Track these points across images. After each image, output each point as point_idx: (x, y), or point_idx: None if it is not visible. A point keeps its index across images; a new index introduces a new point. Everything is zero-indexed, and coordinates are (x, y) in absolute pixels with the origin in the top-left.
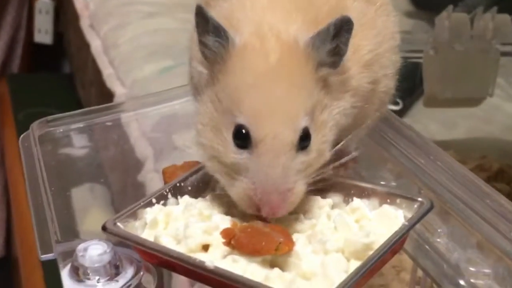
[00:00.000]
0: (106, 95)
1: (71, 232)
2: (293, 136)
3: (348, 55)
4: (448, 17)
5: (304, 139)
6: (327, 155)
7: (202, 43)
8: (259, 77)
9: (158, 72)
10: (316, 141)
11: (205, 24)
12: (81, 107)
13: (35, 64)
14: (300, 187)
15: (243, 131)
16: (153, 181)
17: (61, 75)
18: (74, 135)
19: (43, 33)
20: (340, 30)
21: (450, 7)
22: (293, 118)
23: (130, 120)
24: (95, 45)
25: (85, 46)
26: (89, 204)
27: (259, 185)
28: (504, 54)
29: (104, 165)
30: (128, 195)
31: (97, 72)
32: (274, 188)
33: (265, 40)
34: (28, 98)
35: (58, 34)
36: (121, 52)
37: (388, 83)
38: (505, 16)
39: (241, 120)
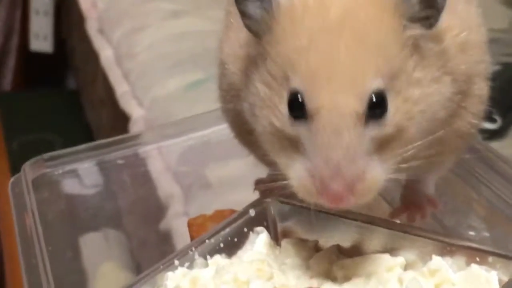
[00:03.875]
0: (121, 118)
1: None
2: (358, 104)
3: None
4: None
5: (377, 106)
6: (413, 135)
7: (242, 14)
8: (315, 36)
9: (185, 88)
10: (396, 113)
11: None
12: (89, 132)
13: (32, 78)
14: (375, 173)
15: (299, 99)
16: (180, 228)
17: (64, 91)
18: (78, 176)
19: (41, 39)
20: None
21: None
22: (358, 80)
23: (150, 155)
24: (106, 55)
25: (93, 56)
26: (102, 258)
27: (318, 170)
28: None
29: (120, 210)
30: (151, 247)
31: (109, 89)
32: (337, 174)
33: None
34: (24, 123)
35: (60, 41)
36: (138, 63)
37: (482, 87)
38: None
39: (295, 84)
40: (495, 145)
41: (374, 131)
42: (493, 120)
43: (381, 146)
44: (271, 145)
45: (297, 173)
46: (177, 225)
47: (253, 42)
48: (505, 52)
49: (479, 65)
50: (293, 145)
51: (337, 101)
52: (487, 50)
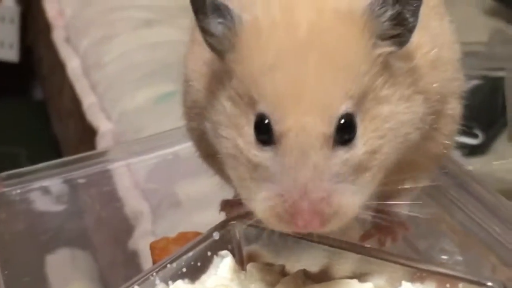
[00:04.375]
0: (88, 131)
1: None
2: (326, 127)
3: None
4: None
5: (345, 130)
6: (387, 155)
7: (204, 31)
8: (282, 55)
9: (155, 101)
10: (365, 133)
11: (202, 5)
12: (56, 145)
13: None
14: (346, 199)
15: (265, 122)
16: (147, 250)
17: (30, 102)
18: (40, 195)
19: (7, 48)
20: None
21: None
22: (326, 103)
23: (118, 172)
24: (73, 65)
25: (60, 66)
26: (68, 278)
27: (286, 193)
28: None
29: (87, 229)
30: (118, 268)
31: (76, 101)
32: (304, 196)
33: (292, 11)
34: None
35: (26, 49)
36: (106, 74)
37: (455, 106)
38: None
39: (261, 108)
40: (476, 161)
41: (343, 155)
42: (474, 136)
43: (355, 170)
44: (233, 170)
45: (262, 200)
46: (145, 244)
47: (218, 59)
48: (485, 66)
49: (452, 83)
50: (257, 171)
51: (305, 124)
52: (460, 67)
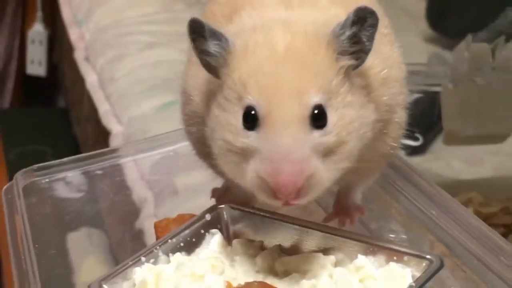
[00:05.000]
0: (103, 133)
1: None
2: (302, 112)
3: (367, 65)
4: (468, 48)
5: (318, 118)
6: (352, 148)
7: (202, 52)
8: (264, 63)
9: (158, 109)
10: (336, 127)
11: (202, 31)
12: (77, 144)
13: (27, 98)
14: (319, 172)
15: (252, 112)
16: (151, 228)
17: (56, 109)
18: (64, 184)
19: (36, 65)
20: (363, 20)
21: (469, 37)
22: (301, 93)
23: (127, 166)
24: (91, 80)
25: (80, 80)
26: (85, 253)
27: (269, 166)
28: None
29: (101, 213)
30: (126, 244)
31: (93, 108)
32: (284, 166)
33: (271, 34)
34: (20, 135)
35: (53, 66)
36: (118, 87)
37: (402, 115)
38: None
39: (248, 101)
40: (417, 159)
41: (318, 137)
42: (415, 138)
43: (327, 153)
44: (227, 163)
45: (249, 173)
46: (149, 225)
47: (212, 78)
48: (425, 82)
49: (399, 96)
50: (244, 156)
51: (285, 109)
52: (405, 83)
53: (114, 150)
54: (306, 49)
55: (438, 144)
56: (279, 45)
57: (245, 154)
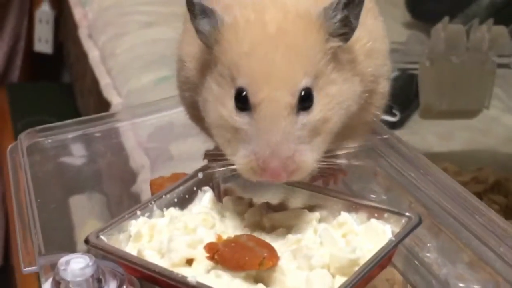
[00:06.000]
0: (104, 105)
1: (58, 245)
2: (291, 98)
3: (354, 38)
4: (444, 29)
5: (305, 99)
6: (335, 124)
7: (196, 30)
8: (256, 45)
9: (155, 82)
10: (320, 105)
11: (192, 8)
12: (79, 115)
13: (35, 73)
14: (305, 157)
15: (243, 93)
16: (148, 192)
17: (61, 84)
18: (66, 145)
19: (43, 43)
20: (352, 2)
21: (446, 18)
22: (290, 79)
23: (124, 130)
24: (93, 55)
25: (84, 56)
26: (87, 215)
27: (260, 152)
28: (501, 66)
29: (100, 173)
30: (124, 206)
31: (95, 82)
32: (274, 155)
33: (263, 13)
34: (28, 108)
35: (59, 44)
36: (118, 62)
37: (385, 85)
38: (501, 28)
39: (240, 82)
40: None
41: (304, 118)
42: (393, 114)
43: (311, 135)
44: (218, 135)
45: (240, 156)
46: (146, 188)
47: (206, 49)
48: (403, 60)
49: (383, 68)
50: (237, 135)
51: (275, 96)
52: (389, 56)
53: (112, 115)
54: (297, 31)
55: (414, 120)
56: (271, 26)
57: (237, 132)
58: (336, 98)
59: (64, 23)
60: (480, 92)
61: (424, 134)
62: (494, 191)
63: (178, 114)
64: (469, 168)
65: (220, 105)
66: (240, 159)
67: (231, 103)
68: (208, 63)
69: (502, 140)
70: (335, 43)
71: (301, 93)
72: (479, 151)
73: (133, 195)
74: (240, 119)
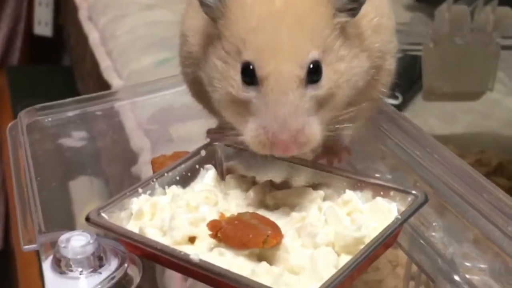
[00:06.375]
0: (104, 87)
1: (59, 223)
2: (299, 71)
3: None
4: (448, 10)
5: (314, 72)
6: (342, 100)
7: (200, 3)
8: (263, 20)
9: (155, 64)
10: (328, 79)
11: None
12: None
13: (35, 56)
14: (314, 129)
15: (250, 67)
16: (148, 173)
17: (60, 67)
18: (66, 124)
19: (43, 25)
20: None
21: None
22: (298, 52)
23: (124, 109)
24: (93, 37)
25: (84, 38)
26: (87, 194)
27: (269, 125)
28: (505, 47)
29: (100, 155)
30: (125, 187)
31: (95, 64)
32: (284, 127)
33: None
34: (27, 90)
35: (58, 27)
36: (118, 44)
37: (392, 62)
38: (506, 9)
39: (246, 56)
40: None
41: (313, 92)
42: (395, 97)
43: (318, 108)
44: (227, 111)
45: (250, 130)
46: (146, 170)
47: (210, 23)
48: (406, 41)
49: (389, 44)
50: (246, 108)
51: (283, 69)
52: (395, 32)
53: (112, 93)
54: (304, 6)
55: (416, 103)
56: (278, 0)
57: (245, 107)
58: (344, 73)
59: (64, 5)
60: (484, 74)
61: (427, 117)
62: (497, 174)
63: (179, 95)
64: (472, 151)
65: (226, 81)
66: (249, 133)
67: (237, 78)
68: (212, 37)
69: (505, 123)
70: (343, 18)
71: (309, 65)
72: (482, 134)
73: (133, 177)
74: (248, 94)
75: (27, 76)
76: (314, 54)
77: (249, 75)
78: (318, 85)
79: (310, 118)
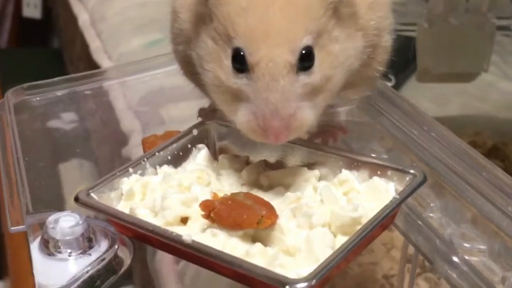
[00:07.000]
0: (94, 69)
1: (47, 204)
2: (291, 56)
3: None
4: None
5: (306, 59)
6: (336, 83)
7: None
8: (254, 2)
9: (146, 46)
10: (321, 64)
11: None
12: None
13: (23, 38)
14: (306, 114)
15: (241, 53)
16: (138, 155)
17: (50, 50)
18: (54, 103)
19: (32, 8)
20: None
21: None
22: (290, 37)
23: (114, 89)
24: (83, 18)
25: (73, 20)
26: (76, 175)
27: (260, 111)
28: (500, 28)
29: (90, 136)
30: (115, 167)
31: (85, 46)
32: (275, 114)
33: None
34: (16, 73)
35: (47, 9)
36: (108, 25)
37: (388, 39)
38: None
39: (237, 43)
40: None
41: (305, 79)
42: (388, 79)
43: (312, 93)
44: (217, 95)
45: (241, 116)
46: (136, 152)
47: (202, 1)
48: (401, 21)
49: (385, 21)
50: (236, 95)
51: (274, 54)
52: (391, 9)
53: (102, 72)
54: None
55: (410, 84)
56: None
57: (236, 93)
58: (338, 56)
59: None
60: (479, 54)
61: (420, 99)
62: (491, 156)
63: (170, 75)
64: (466, 133)
65: (216, 65)
66: (240, 118)
67: (228, 63)
68: (203, 15)
69: (498, 105)
70: None
71: (301, 51)
72: (475, 116)
73: (124, 159)
74: (238, 81)
75: (16, 58)
76: (307, 40)
77: (240, 62)
78: (311, 70)
79: (302, 104)
